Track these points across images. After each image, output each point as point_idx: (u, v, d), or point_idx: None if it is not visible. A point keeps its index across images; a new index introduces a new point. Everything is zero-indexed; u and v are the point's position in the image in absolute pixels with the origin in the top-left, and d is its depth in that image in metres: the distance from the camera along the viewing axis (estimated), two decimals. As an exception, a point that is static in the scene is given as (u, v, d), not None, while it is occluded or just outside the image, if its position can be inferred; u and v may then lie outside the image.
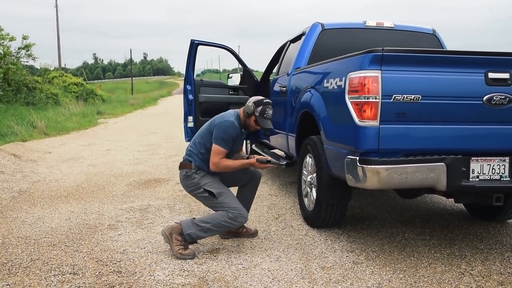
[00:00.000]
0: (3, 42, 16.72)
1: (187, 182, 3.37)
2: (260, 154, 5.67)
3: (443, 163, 2.79)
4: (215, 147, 3.25)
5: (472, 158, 2.87)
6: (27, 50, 18.01)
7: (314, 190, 3.75)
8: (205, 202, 3.38)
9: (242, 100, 5.40)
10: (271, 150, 5.78)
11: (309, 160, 3.89)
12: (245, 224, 3.52)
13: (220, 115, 3.40)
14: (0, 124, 11.05)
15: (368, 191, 4.54)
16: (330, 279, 2.82)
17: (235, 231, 3.53)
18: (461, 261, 3.12)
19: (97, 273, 2.90)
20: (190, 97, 5.44)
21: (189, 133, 5.48)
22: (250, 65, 6.12)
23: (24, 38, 17.88)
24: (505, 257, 3.19)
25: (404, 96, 2.77)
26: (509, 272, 2.94)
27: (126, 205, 4.62)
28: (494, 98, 2.82)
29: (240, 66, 6.07)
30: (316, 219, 3.72)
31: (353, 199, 3.96)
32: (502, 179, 2.91)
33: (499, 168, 2.91)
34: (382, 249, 3.35)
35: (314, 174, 3.73)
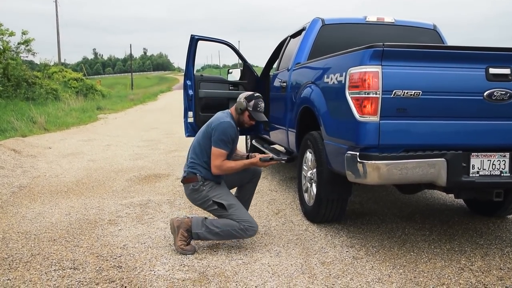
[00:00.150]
0: (2, 37, 16.71)
1: (195, 196, 3.29)
2: (261, 150, 5.67)
3: (443, 159, 2.79)
4: (215, 150, 3.20)
5: (473, 154, 2.87)
6: (27, 45, 17.99)
7: (314, 185, 3.75)
8: (214, 214, 3.29)
9: None
10: (271, 146, 5.78)
11: (309, 155, 3.89)
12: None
13: (215, 118, 3.31)
14: (0, 119, 11.05)
15: (368, 186, 4.54)
16: (330, 274, 2.82)
17: None
18: (461, 257, 3.12)
19: (97, 268, 2.90)
20: (190, 92, 5.43)
21: (189, 128, 5.47)
22: (250, 61, 6.10)
23: (24, 33, 17.86)
24: (504, 253, 3.20)
25: (404, 92, 2.76)
26: (508, 268, 2.95)
27: (126, 200, 4.62)
28: (495, 93, 2.82)
29: (240, 61, 6.05)
30: (316, 214, 3.73)
31: (353, 195, 3.97)
32: (502, 174, 2.91)
33: (499, 164, 2.90)
34: (382, 244, 3.36)
35: (314, 170, 3.73)
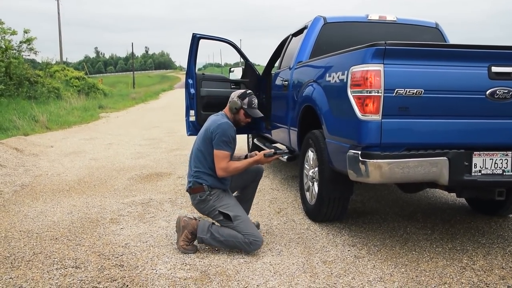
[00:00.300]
0: (4, 36, 16.71)
1: (201, 207, 3.25)
2: (262, 149, 5.67)
3: (445, 158, 2.78)
4: (219, 152, 3.16)
5: (475, 153, 2.86)
6: (29, 44, 17.97)
7: (316, 184, 3.75)
8: (220, 223, 3.24)
9: None
10: (273, 144, 5.77)
11: (311, 154, 3.89)
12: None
13: (212, 122, 3.27)
14: (2, 118, 11.07)
15: (370, 185, 4.54)
16: (331, 273, 2.82)
17: None
18: (462, 256, 3.12)
19: (99, 267, 2.91)
20: (192, 91, 5.42)
21: (191, 127, 5.47)
22: (251, 59, 6.10)
23: (26, 32, 17.85)
24: (507, 252, 3.19)
25: (406, 90, 2.75)
26: (510, 267, 2.94)
27: (128, 199, 4.63)
28: (497, 92, 2.81)
29: (242, 60, 6.05)
30: (317, 213, 3.72)
31: (354, 193, 3.97)
32: (504, 173, 2.90)
33: (501, 163, 2.89)
34: (383, 243, 3.35)
35: (316, 168, 3.73)
